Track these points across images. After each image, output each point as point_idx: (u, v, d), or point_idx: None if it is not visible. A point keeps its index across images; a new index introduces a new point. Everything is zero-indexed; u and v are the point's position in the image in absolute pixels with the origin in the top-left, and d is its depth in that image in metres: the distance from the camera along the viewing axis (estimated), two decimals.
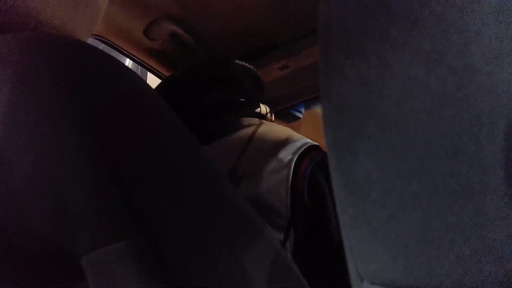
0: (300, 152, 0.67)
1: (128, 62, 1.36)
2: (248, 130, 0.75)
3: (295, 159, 0.66)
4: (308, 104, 1.38)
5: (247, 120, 0.80)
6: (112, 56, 0.40)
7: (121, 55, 1.08)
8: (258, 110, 0.85)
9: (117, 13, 0.90)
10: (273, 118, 0.91)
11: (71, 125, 0.33)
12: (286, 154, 0.67)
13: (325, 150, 0.24)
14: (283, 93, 1.18)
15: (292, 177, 0.64)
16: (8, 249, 0.35)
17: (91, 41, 1.00)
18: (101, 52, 0.40)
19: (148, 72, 1.19)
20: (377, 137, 0.18)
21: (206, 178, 0.39)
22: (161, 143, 0.37)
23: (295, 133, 0.76)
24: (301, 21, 0.94)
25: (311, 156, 0.67)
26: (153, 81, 1.24)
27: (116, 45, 1.03)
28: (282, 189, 0.64)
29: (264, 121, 0.80)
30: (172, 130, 0.39)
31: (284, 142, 0.69)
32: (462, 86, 0.16)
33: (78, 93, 0.35)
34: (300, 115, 1.42)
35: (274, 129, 0.76)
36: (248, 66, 0.91)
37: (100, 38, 1.00)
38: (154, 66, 1.13)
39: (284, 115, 1.37)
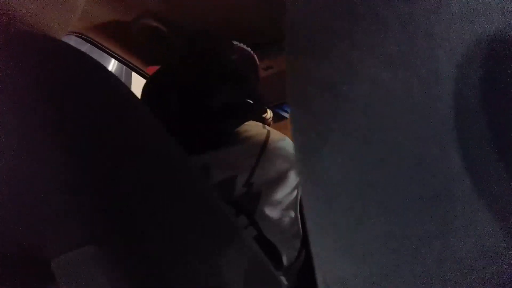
0: None
1: (113, 62, 1.34)
2: (258, 141, 0.75)
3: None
4: None
5: (254, 128, 0.78)
6: (88, 55, 0.39)
7: (105, 55, 1.06)
8: (264, 115, 0.85)
9: (99, 10, 0.89)
10: (271, 123, 0.91)
11: (45, 126, 0.32)
12: (294, 177, 0.69)
13: None
14: (268, 93, 1.18)
15: (300, 200, 0.67)
16: None
17: (74, 40, 0.99)
18: (76, 50, 0.39)
19: (133, 72, 1.18)
20: (342, 142, 0.18)
21: (187, 182, 0.38)
22: (140, 147, 0.36)
23: None
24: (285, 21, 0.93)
25: None
26: (138, 81, 1.23)
27: (100, 44, 1.01)
28: (292, 212, 0.66)
29: (269, 128, 0.79)
30: (153, 135, 0.38)
31: (292, 163, 0.71)
32: (427, 91, 0.16)
33: (50, 93, 0.34)
34: (287, 115, 1.42)
35: (282, 145, 0.76)
36: (246, 48, 0.89)
37: (83, 36, 0.98)
38: (139, 66, 1.12)
39: None
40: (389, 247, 0.17)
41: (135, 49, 1.06)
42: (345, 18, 0.17)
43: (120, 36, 0.99)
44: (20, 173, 0.32)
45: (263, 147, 0.73)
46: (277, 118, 1.42)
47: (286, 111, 1.42)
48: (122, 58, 1.07)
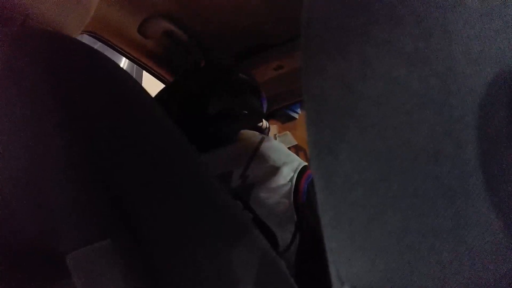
0: (298, 170, 0.76)
1: (123, 61, 1.35)
2: (253, 143, 0.82)
3: (295, 176, 0.75)
4: None
5: (249, 133, 0.86)
6: (101, 52, 0.40)
7: (116, 53, 1.07)
8: (260, 124, 0.93)
9: (111, 10, 0.90)
10: (278, 134, 0.98)
11: (56, 122, 0.33)
12: (288, 171, 0.76)
13: None
14: (278, 93, 1.18)
15: (294, 190, 0.73)
16: None
17: (86, 38, 1.00)
18: (90, 48, 0.39)
19: (144, 71, 1.18)
20: (357, 138, 0.18)
21: (194, 180, 0.38)
22: (149, 144, 0.37)
23: (291, 152, 0.84)
24: (296, 21, 0.93)
25: (307, 174, 0.76)
26: (148, 79, 1.23)
27: (111, 43, 1.02)
28: (286, 201, 0.73)
29: (265, 136, 0.86)
30: (162, 132, 0.39)
31: (286, 160, 0.78)
32: (444, 87, 0.16)
33: (64, 90, 0.34)
34: (296, 116, 1.42)
35: (275, 145, 0.84)
36: (251, 79, 0.96)
37: (95, 35, 0.99)
38: (149, 64, 1.13)
39: (279, 115, 1.37)
40: (404, 242, 0.17)
41: (146, 48, 1.07)
42: (362, 15, 0.17)
43: (132, 35, 1.00)
44: (32, 168, 0.32)
45: (258, 145, 0.81)
46: (286, 118, 1.42)
47: (295, 112, 1.42)
48: (133, 56, 1.08)
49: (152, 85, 1.09)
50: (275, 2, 0.90)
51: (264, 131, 0.94)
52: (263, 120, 0.94)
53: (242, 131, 0.86)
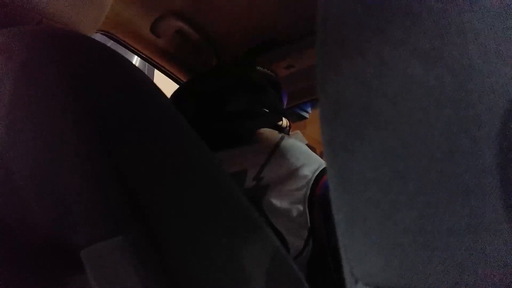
0: (317, 173, 0.73)
1: (135, 59, 1.36)
2: (271, 142, 0.79)
3: (313, 179, 0.72)
4: (315, 103, 1.37)
5: (268, 132, 0.83)
6: (116, 52, 0.40)
7: (129, 52, 1.08)
8: (280, 123, 0.89)
9: (124, 9, 0.91)
10: (290, 132, 0.95)
11: (72, 119, 0.33)
12: (306, 174, 0.72)
13: None
14: (289, 92, 1.18)
15: (309, 195, 0.71)
16: (8, 243, 0.35)
17: (99, 37, 1.00)
18: (105, 47, 0.40)
19: (155, 70, 1.19)
20: (373, 136, 0.18)
21: (208, 175, 0.39)
22: (162, 139, 0.37)
23: (313, 153, 0.80)
24: (307, 19, 0.94)
25: (325, 178, 0.73)
26: (160, 78, 1.24)
27: (124, 41, 1.03)
28: (301, 205, 0.70)
29: (285, 136, 0.83)
30: (176, 129, 0.39)
31: (305, 162, 0.75)
32: (460, 86, 0.16)
33: (80, 88, 0.35)
34: (307, 115, 1.41)
35: (295, 145, 0.80)
36: (270, 72, 0.94)
37: (107, 34, 1.00)
38: (161, 63, 1.13)
39: (289, 114, 1.37)
40: (419, 240, 0.17)
41: (158, 47, 1.07)
42: (378, 13, 0.17)
43: (144, 34, 1.00)
44: (46, 166, 0.33)
45: (276, 146, 0.77)
46: (297, 117, 1.42)
47: (305, 111, 1.41)
48: (145, 55, 1.09)
49: (163, 83, 1.10)
50: (289, 2, 0.89)
51: (284, 130, 0.91)
52: (283, 118, 0.90)
53: (261, 130, 0.83)
